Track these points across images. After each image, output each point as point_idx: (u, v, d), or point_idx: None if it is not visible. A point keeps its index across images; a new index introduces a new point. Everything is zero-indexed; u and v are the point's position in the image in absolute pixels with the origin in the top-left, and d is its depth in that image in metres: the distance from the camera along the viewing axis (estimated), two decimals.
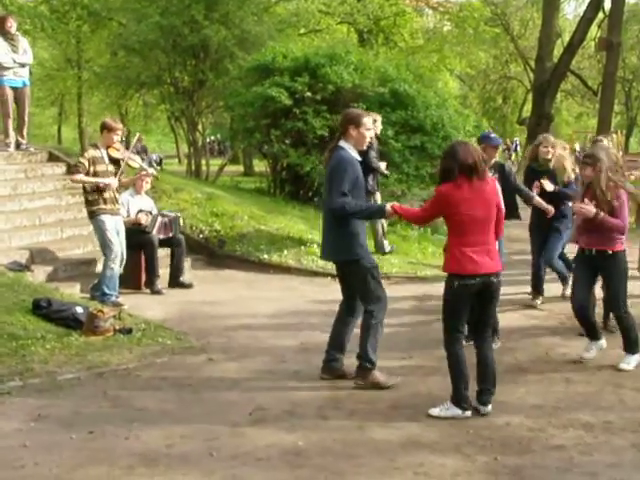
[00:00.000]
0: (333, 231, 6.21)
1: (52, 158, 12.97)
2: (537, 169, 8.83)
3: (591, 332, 7.06)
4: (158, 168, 26.45)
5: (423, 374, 6.66)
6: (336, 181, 6.02)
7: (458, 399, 5.65)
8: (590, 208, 6.58)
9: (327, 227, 6.29)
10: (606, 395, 6.14)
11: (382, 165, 11.35)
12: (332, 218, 6.16)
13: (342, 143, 6.20)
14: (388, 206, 5.99)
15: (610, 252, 6.72)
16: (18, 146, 12.45)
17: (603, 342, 7.09)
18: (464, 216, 5.53)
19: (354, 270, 6.22)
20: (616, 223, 6.62)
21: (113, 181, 8.95)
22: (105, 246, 8.92)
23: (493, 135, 8.14)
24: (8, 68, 12.09)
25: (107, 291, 8.80)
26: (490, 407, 5.69)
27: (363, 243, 6.24)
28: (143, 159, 23.02)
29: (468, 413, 5.61)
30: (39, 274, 9.20)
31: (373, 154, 10.69)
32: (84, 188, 9.04)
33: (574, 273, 7.24)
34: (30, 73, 12.94)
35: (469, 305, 5.70)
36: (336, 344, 6.42)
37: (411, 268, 11.49)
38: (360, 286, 6.25)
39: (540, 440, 5.20)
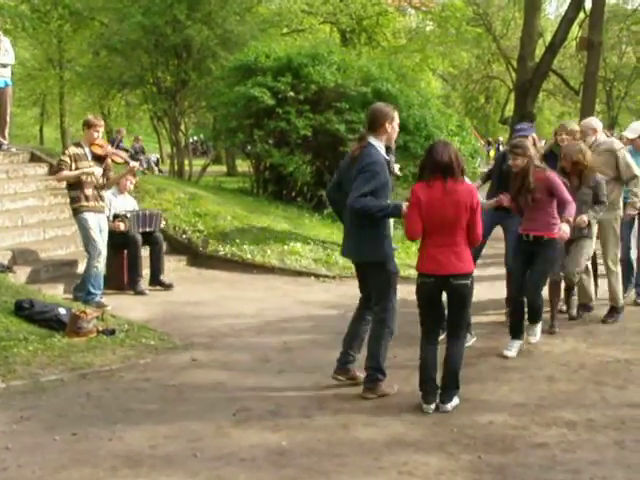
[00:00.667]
0: (362, 230, 5.94)
1: (34, 159, 12.91)
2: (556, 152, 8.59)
3: (516, 327, 7.25)
4: (155, 169, 26.31)
5: (407, 373, 6.65)
6: (362, 181, 5.79)
7: (421, 392, 5.78)
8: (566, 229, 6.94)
9: (355, 224, 5.96)
10: (589, 393, 6.17)
11: (396, 167, 11.30)
12: (362, 216, 5.85)
13: (373, 140, 5.94)
14: (404, 206, 5.81)
15: (546, 238, 7.04)
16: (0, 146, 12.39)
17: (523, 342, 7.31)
18: (433, 215, 5.55)
19: (377, 273, 6.02)
20: (569, 208, 6.95)
21: (96, 170, 8.90)
22: (89, 244, 8.87)
23: (522, 126, 8.12)
24: None
25: (92, 290, 8.76)
26: (449, 406, 5.70)
27: (391, 246, 6.12)
28: (140, 159, 22.97)
29: (427, 407, 5.69)
30: (21, 275, 9.15)
31: (392, 157, 10.40)
32: (68, 186, 8.99)
33: (514, 261, 7.47)
34: (12, 73, 12.86)
35: (435, 304, 5.75)
36: (354, 344, 6.21)
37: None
38: (378, 290, 6.05)
39: (523, 438, 5.23)
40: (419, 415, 5.64)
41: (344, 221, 6.24)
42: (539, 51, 30.05)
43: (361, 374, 6.14)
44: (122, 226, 9.71)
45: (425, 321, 5.82)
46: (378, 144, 5.96)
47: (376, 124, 5.97)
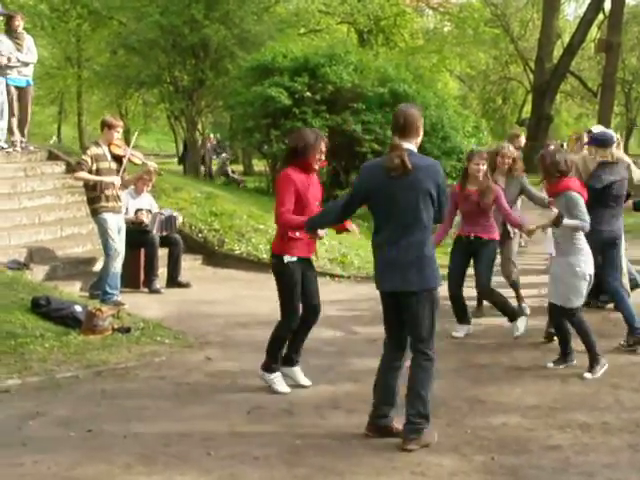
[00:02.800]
0: (418, 253, 5.01)
1: (52, 157, 12.99)
2: None
3: (462, 315, 7.93)
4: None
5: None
6: (446, 194, 5.14)
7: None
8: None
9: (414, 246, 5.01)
10: (603, 396, 6.14)
11: None
12: (423, 236, 5.03)
13: (410, 146, 5.06)
14: None
15: (486, 239, 7.79)
16: (20, 144, 12.43)
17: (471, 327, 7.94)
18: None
19: (423, 301, 5.04)
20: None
21: (116, 179, 8.94)
22: (107, 245, 8.90)
23: (599, 133, 8.07)
24: (12, 67, 12.07)
25: (109, 290, 8.79)
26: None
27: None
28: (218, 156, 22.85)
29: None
30: (38, 273, 9.21)
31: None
32: (86, 186, 9.03)
33: (452, 260, 8.03)
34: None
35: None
36: (386, 396, 5.22)
37: None
38: (424, 320, 5.08)
39: (537, 440, 5.21)
40: (433, 416, 5.62)
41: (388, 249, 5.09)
42: (557, 52, 29.96)
43: (395, 426, 5.21)
44: (144, 217, 9.76)
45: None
46: (414, 150, 5.10)
47: (411, 128, 5.09)
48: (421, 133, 5.19)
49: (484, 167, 7.77)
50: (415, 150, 5.08)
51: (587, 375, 6.52)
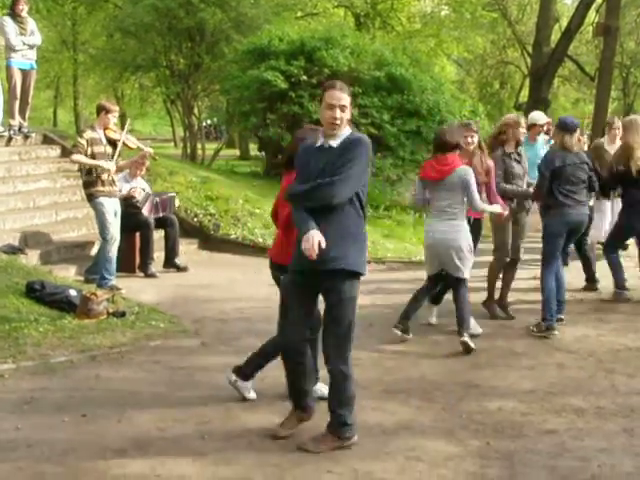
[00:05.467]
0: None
1: (47, 140, 12.93)
2: None
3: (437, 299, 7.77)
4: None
5: (416, 358, 6.66)
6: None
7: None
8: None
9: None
10: (598, 380, 6.15)
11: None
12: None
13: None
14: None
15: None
16: (19, 129, 12.37)
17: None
18: None
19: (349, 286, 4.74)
20: None
21: (111, 165, 8.91)
22: (104, 229, 8.86)
23: (569, 120, 7.87)
24: (17, 50, 12.01)
25: (106, 275, 8.75)
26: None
27: None
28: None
29: None
30: (33, 257, 9.18)
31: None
32: (81, 170, 9.00)
33: None
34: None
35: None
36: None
37: (405, 253, 11.49)
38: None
39: (532, 425, 5.21)
40: (428, 401, 5.63)
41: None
42: (555, 37, 29.80)
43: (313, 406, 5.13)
44: (136, 192, 9.74)
45: None
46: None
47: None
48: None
49: (475, 139, 7.64)
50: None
51: None
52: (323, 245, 4.53)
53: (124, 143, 9.25)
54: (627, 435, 5.06)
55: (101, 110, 9.04)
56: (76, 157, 8.90)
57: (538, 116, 10.31)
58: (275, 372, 5.40)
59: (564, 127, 7.55)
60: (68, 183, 11.54)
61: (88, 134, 8.92)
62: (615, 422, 5.27)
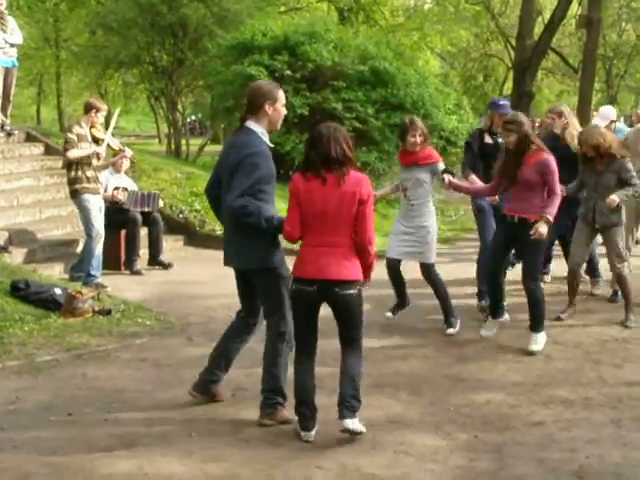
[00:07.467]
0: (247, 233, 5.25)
1: (30, 138, 12.83)
2: None
3: (496, 307, 7.03)
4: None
5: (404, 353, 6.66)
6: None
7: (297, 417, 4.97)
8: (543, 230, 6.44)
9: (236, 227, 5.33)
10: (586, 372, 6.17)
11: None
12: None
13: (253, 125, 5.21)
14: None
15: (532, 221, 6.49)
16: (2, 127, 12.28)
17: (506, 317, 7.20)
18: (306, 211, 4.93)
19: (266, 281, 5.17)
20: (555, 203, 6.54)
21: (101, 150, 8.94)
22: (89, 226, 8.79)
23: (502, 102, 7.82)
24: None
25: (92, 272, 8.70)
26: (351, 422, 4.79)
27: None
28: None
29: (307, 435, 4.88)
30: (17, 255, 9.12)
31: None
32: (68, 166, 8.93)
33: (493, 238, 7.14)
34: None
35: (308, 316, 4.99)
36: (222, 363, 5.44)
37: None
38: (270, 301, 5.24)
39: (520, 417, 5.22)
40: (416, 395, 5.63)
41: (224, 223, 5.49)
42: (538, 29, 29.85)
43: (225, 392, 5.49)
44: (120, 196, 9.68)
45: (296, 335, 5.06)
46: (259, 130, 5.17)
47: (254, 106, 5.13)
48: (271, 113, 5.16)
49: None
50: (263, 131, 5.21)
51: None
52: None
53: (107, 144, 9.21)
54: (614, 426, 5.07)
55: (91, 108, 8.98)
56: (72, 153, 8.78)
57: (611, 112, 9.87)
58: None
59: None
60: (52, 181, 11.47)
61: (76, 129, 8.87)
62: (603, 413, 5.29)
